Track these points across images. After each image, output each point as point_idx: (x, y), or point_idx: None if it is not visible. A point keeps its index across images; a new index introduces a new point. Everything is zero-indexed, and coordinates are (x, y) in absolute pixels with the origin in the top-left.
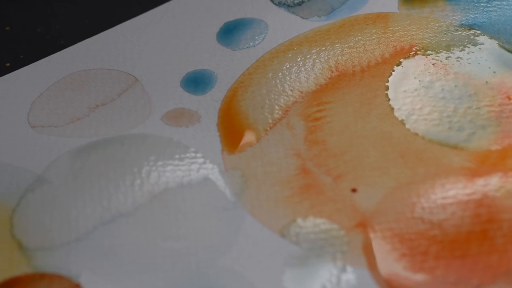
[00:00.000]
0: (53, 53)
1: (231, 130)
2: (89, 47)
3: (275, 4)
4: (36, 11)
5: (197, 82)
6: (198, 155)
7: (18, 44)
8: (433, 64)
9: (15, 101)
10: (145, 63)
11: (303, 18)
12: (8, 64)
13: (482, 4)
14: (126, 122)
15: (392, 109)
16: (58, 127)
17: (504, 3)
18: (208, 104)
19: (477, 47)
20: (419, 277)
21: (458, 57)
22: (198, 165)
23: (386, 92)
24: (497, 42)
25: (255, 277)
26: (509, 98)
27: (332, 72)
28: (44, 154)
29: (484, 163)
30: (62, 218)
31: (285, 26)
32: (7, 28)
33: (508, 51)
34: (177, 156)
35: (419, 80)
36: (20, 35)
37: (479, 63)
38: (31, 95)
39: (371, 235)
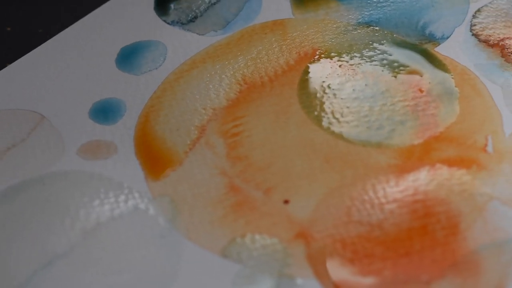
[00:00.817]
0: None
1: (151, 156)
2: None
3: (168, 23)
4: (37, 11)
5: (105, 111)
6: (123, 185)
7: (19, 45)
8: (340, 66)
9: None
10: (48, 98)
11: (199, 35)
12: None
13: (375, 1)
14: (42, 161)
15: (308, 116)
16: None
17: None
18: (122, 133)
19: (379, 43)
20: (369, 280)
21: (363, 56)
22: (125, 196)
23: (298, 99)
24: (395, 36)
25: None
26: (420, 91)
27: (241, 85)
28: None
29: (410, 159)
30: (0, 267)
31: (183, 44)
32: (8, 28)
33: (409, 45)
34: (102, 190)
35: (329, 84)
36: (21, 36)
37: (384, 60)
38: None
39: (313, 244)
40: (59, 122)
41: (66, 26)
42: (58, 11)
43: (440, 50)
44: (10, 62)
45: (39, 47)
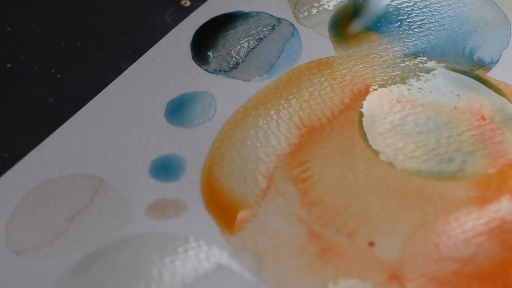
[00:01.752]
0: None
1: (223, 210)
2: (38, 157)
3: (211, 72)
4: (37, 11)
5: (166, 168)
6: (201, 243)
7: (19, 45)
8: (397, 101)
9: None
10: (103, 160)
11: (245, 81)
12: (9, 65)
13: (416, 30)
14: (111, 226)
15: (376, 154)
16: (43, 247)
17: (435, 24)
18: (188, 189)
19: (431, 74)
20: None
21: (418, 88)
22: (205, 254)
23: (362, 138)
24: (445, 64)
25: None
26: (483, 119)
27: (300, 129)
28: (43, 279)
29: (488, 189)
30: None
31: (231, 92)
32: (8, 28)
33: (461, 72)
34: (180, 249)
35: (390, 119)
36: (21, 36)
37: (439, 90)
38: (0, 222)
39: (408, 285)
40: (120, 184)
41: (67, 27)
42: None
43: (492, 75)
44: (11, 63)
45: (82, 109)
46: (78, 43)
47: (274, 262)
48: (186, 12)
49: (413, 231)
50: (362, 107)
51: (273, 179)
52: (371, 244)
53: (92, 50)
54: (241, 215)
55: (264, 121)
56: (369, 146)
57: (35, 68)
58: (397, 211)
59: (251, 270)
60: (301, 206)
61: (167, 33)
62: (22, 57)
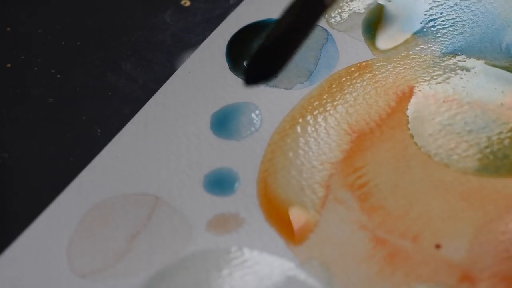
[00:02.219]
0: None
1: (284, 221)
2: (89, 179)
3: None
4: (37, 11)
5: (220, 183)
6: (266, 255)
7: (19, 45)
8: (443, 101)
9: (47, 258)
10: (155, 178)
11: (287, 89)
12: (9, 65)
13: (450, 29)
14: (173, 244)
15: (429, 156)
16: (108, 269)
17: (468, 21)
18: (245, 202)
19: (472, 71)
20: None
21: (462, 86)
22: (272, 266)
23: (413, 140)
24: (484, 61)
25: None
26: None
27: (350, 135)
28: None
29: None
30: None
31: (274, 101)
32: (8, 28)
33: (501, 68)
34: (247, 264)
35: (439, 120)
36: (21, 36)
37: (483, 87)
38: (61, 245)
39: (480, 285)
40: (176, 201)
41: (67, 27)
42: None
43: None
44: (11, 63)
45: (127, 125)
46: (78, 43)
47: (343, 271)
48: (186, 12)
49: (477, 231)
50: (408, 109)
51: (330, 187)
52: (437, 246)
53: (92, 50)
54: (303, 224)
55: (313, 129)
56: (420, 148)
57: (35, 68)
58: (459, 212)
59: (321, 279)
60: (361, 213)
61: (167, 32)
62: (22, 57)
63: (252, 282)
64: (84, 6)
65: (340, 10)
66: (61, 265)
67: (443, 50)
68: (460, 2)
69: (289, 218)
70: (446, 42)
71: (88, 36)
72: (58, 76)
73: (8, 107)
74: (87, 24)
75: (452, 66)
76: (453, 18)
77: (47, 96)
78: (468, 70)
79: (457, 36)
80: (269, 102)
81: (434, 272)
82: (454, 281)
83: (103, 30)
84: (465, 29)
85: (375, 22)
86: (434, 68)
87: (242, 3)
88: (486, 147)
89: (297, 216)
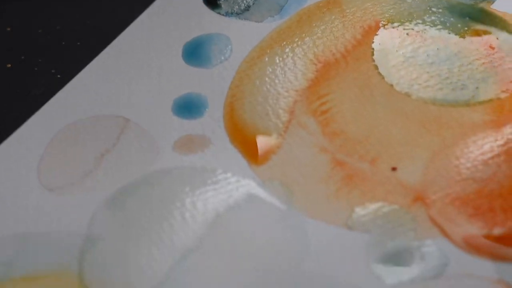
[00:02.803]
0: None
1: (248, 143)
2: (63, 99)
3: (223, 15)
4: (37, 11)
5: (188, 107)
6: (229, 174)
7: (19, 45)
8: (407, 34)
9: (19, 172)
10: (127, 101)
11: (257, 22)
12: (9, 65)
13: None
14: (140, 162)
15: (391, 85)
16: (76, 185)
17: None
18: (211, 125)
19: (437, 8)
20: (497, 231)
21: (425, 22)
22: (234, 184)
23: (377, 71)
24: None
25: (343, 274)
26: (491, 48)
27: (316, 64)
28: (78, 213)
29: (502, 112)
30: (135, 268)
31: (245, 33)
32: (8, 28)
33: (466, 5)
34: (209, 181)
35: (402, 52)
36: (21, 36)
37: (447, 23)
38: (32, 160)
39: (433, 206)
40: (145, 123)
41: (67, 27)
42: (60, 12)
43: (497, 7)
44: (11, 63)
45: (101, 54)
46: (78, 43)
47: (302, 191)
48: None
49: (433, 156)
50: (373, 42)
51: (294, 113)
52: (393, 169)
53: (92, 50)
54: (266, 146)
55: (280, 59)
56: (383, 77)
57: (35, 68)
58: (417, 138)
59: (281, 198)
60: (323, 137)
61: None
62: (22, 57)
63: (212, 198)
64: (84, 6)
65: None
66: (31, 180)
67: None
68: None
69: (253, 140)
70: None
71: (88, 36)
72: (58, 76)
73: (8, 107)
74: (87, 24)
75: (418, 2)
76: None
77: (47, 96)
78: (434, 7)
79: None
80: (240, 33)
81: (389, 193)
82: (408, 201)
83: (103, 30)
84: None
85: None
86: (402, 4)
87: None
88: (447, 78)
89: (260, 139)
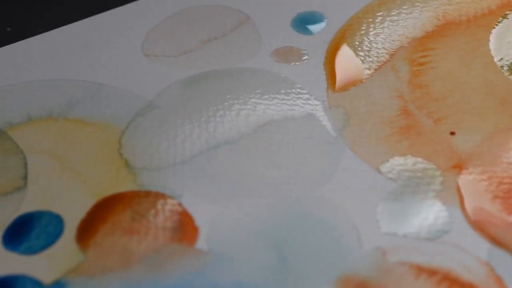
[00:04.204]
0: None
1: (338, 70)
2: None
3: None
4: (37, 11)
5: (307, 22)
6: (304, 91)
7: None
8: None
9: (130, 31)
10: (257, 1)
11: None
12: None
13: None
14: (236, 57)
15: (493, 58)
16: (171, 57)
17: None
18: (317, 44)
19: None
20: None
21: None
22: (303, 101)
23: (489, 41)
24: None
25: (351, 209)
26: None
27: (439, 20)
28: (156, 82)
29: None
30: (169, 141)
31: None
32: (8, 28)
33: None
34: (283, 91)
35: None
36: (21, 36)
37: None
38: (147, 26)
39: (466, 177)
40: (262, 25)
41: None
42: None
43: None
44: None
45: None
46: None
47: (359, 125)
48: None
49: (495, 132)
50: (505, 16)
51: (394, 56)
52: (452, 133)
53: None
54: (351, 77)
55: (410, 5)
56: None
57: None
58: (489, 112)
59: (336, 126)
60: (407, 85)
61: None
62: None
63: (275, 106)
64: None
65: None
66: (136, 43)
67: None
68: None
69: (342, 68)
70: None
71: None
72: None
73: None
74: None
75: None
76: None
77: None
78: None
79: None
80: None
81: (435, 152)
82: (447, 165)
83: None
84: None
85: None
86: None
87: None
88: None
89: (350, 69)
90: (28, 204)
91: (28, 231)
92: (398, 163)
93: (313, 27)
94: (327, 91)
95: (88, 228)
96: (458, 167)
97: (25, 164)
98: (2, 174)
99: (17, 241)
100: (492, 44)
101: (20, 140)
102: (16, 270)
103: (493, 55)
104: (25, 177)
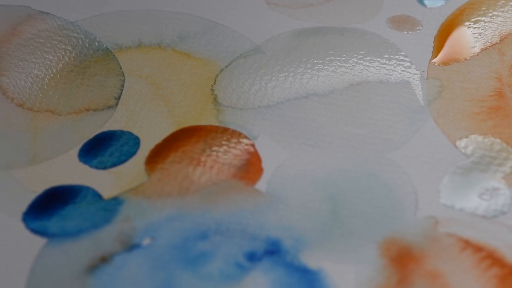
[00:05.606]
0: None
1: (446, 44)
2: None
3: None
4: None
5: None
6: (406, 59)
7: None
8: None
9: None
10: None
11: None
12: None
13: None
14: (352, 17)
15: None
16: (291, 9)
17: None
18: (433, 17)
19: None
20: None
21: None
22: (402, 68)
23: None
24: None
25: (416, 175)
26: None
27: None
28: (269, 29)
29: None
30: (261, 85)
31: None
32: None
33: None
34: (386, 56)
35: None
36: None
37: None
38: None
39: None
40: None
41: None
42: None
43: None
44: None
45: None
46: None
47: (450, 100)
48: None
49: None
50: None
51: (505, 40)
52: None
53: None
54: (457, 53)
55: None
56: None
57: None
58: None
59: (427, 96)
60: (508, 69)
61: None
62: None
63: (373, 69)
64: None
65: None
66: None
67: None
68: None
69: (450, 43)
70: None
71: None
72: None
73: None
74: None
75: None
76: None
77: None
78: None
79: None
80: None
81: None
82: None
83: None
84: None
85: None
86: None
87: None
88: None
89: (457, 45)
90: (113, 122)
91: (105, 147)
92: (476, 141)
93: (435, 1)
94: (429, 62)
95: (159, 153)
96: None
97: (122, 86)
98: (99, 92)
99: (92, 155)
100: None
101: (125, 62)
102: (82, 181)
103: None
104: (118, 98)
